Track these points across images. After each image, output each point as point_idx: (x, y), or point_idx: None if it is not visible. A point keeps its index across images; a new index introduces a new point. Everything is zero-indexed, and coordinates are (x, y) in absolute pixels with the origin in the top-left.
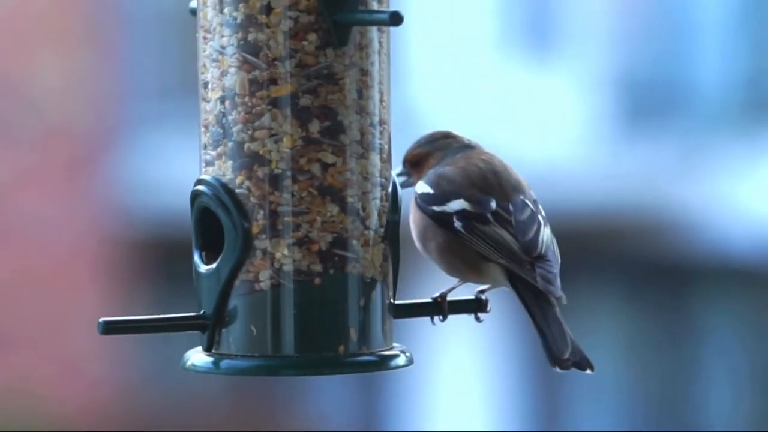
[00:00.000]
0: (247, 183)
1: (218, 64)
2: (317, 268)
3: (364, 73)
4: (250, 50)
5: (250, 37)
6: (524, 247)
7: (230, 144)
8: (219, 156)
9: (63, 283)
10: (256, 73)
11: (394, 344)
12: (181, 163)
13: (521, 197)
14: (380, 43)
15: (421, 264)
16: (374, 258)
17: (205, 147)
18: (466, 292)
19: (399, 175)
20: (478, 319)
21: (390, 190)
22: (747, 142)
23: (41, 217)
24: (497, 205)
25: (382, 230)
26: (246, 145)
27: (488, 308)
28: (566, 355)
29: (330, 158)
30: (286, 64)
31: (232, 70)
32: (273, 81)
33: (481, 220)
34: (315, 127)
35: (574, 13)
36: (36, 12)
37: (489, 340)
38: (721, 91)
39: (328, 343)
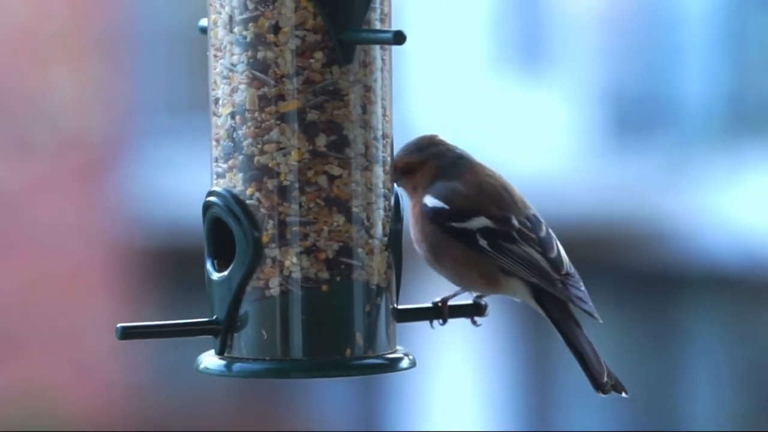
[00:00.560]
0: (257, 194)
1: (228, 80)
2: (324, 275)
3: (368, 89)
4: (259, 68)
5: (260, 55)
6: (553, 264)
7: (241, 157)
8: (230, 168)
9: (76, 288)
10: (265, 89)
11: (398, 347)
12: (189, 174)
13: (532, 212)
14: (383, 60)
15: (419, 270)
16: (378, 265)
17: (216, 160)
18: (464, 296)
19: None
20: (474, 323)
21: (393, 200)
22: (729, 155)
23: (55, 224)
24: (519, 222)
25: (386, 239)
26: (256, 158)
27: (486, 313)
28: (605, 379)
29: (336, 170)
30: (293, 80)
31: (242, 86)
32: (281, 97)
33: (508, 238)
34: (322, 140)
35: (565, 32)
36: (52, 29)
37: (484, 344)
38: (704, 106)
39: (336, 347)
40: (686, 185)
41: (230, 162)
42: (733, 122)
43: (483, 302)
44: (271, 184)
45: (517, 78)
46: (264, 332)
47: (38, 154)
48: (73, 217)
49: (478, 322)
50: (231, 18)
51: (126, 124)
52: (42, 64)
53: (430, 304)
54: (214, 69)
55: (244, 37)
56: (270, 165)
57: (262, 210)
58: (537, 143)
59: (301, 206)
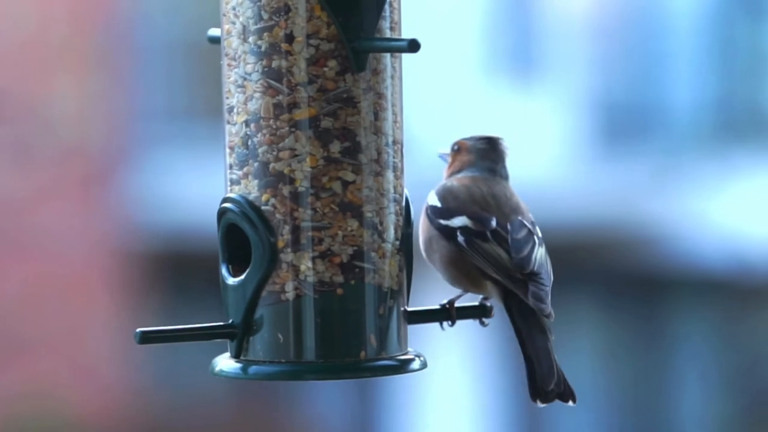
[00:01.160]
0: (272, 200)
1: (243, 89)
2: (339, 279)
3: (380, 96)
4: (273, 76)
5: (274, 64)
6: (517, 263)
7: (256, 164)
8: (245, 175)
9: (78, 292)
10: (280, 97)
11: (409, 349)
12: (189, 181)
13: (519, 218)
14: (393, 67)
15: (427, 274)
16: (391, 269)
17: (231, 167)
18: (470, 298)
19: (444, 155)
20: (483, 323)
21: (404, 205)
22: (717, 161)
23: (58, 230)
24: (497, 223)
25: (398, 243)
26: (271, 165)
27: (492, 313)
28: (551, 387)
29: (350, 176)
30: (308, 89)
31: (257, 95)
32: (296, 105)
33: (482, 237)
34: (336, 147)
35: (555, 40)
36: (54, 41)
37: (478, 349)
38: (692, 113)
39: (350, 349)
40: (675, 191)
41: (245, 169)
42: (721, 129)
43: (489, 304)
44: (286, 190)
45: (509, 85)
46: (280, 335)
47: (41, 162)
48: (76, 223)
49: (486, 323)
50: (245, 28)
51: (127, 132)
52: (45, 74)
53: (438, 306)
54: (228, 78)
55: (259, 47)
56: (285, 171)
57: (278, 216)
58: (528, 150)
59: (315, 211)
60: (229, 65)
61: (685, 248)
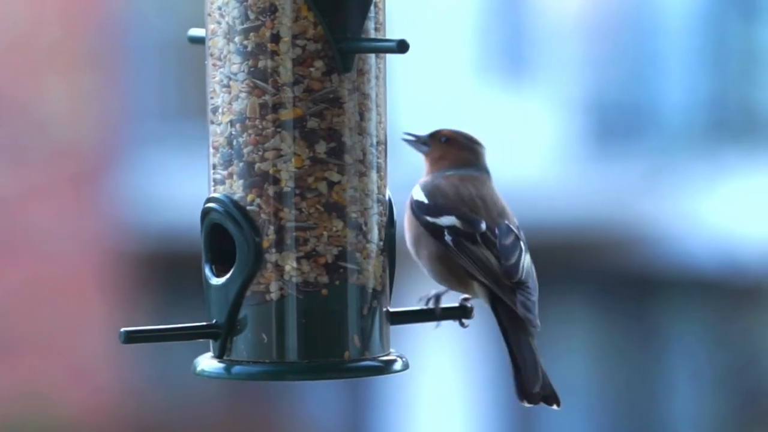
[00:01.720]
0: (257, 200)
1: (228, 89)
2: (324, 279)
3: (365, 96)
4: (260, 76)
5: (260, 64)
6: (506, 270)
7: (241, 164)
8: (230, 175)
9: (70, 292)
10: (266, 97)
11: (391, 350)
12: (180, 180)
13: (506, 222)
14: (379, 68)
15: (412, 273)
16: (375, 269)
17: (215, 167)
18: (452, 299)
19: (416, 136)
20: (462, 324)
21: (387, 205)
22: (709, 161)
23: (50, 230)
24: (486, 227)
25: (382, 243)
26: (257, 165)
27: (473, 315)
28: (536, 389)
29: (335, 177)
30: (294, 89)
31: (243, 95)
32: (282, 105)
33: (471, 239)
34: (321, 147)
35: (547, 41)
36: (46, 41)
37: (470, 349)
38: (684, 113)
39: (334, 350)
40: (667, 191)
41: (230, 169)
42: (713, 129)
43: (469, 305)
44: (271, 190)
45: (501, 85)
46: (264, 335)
47: (33, 162)
48: (67, 223)
49: (466, 324)
50: (231, 28)
51: (118, 132)
52: (36, 74)
53: (420, 307)
54: (213, 78)
55: (245, 47)
56: (271, 172)
57: (263, 216)
58: (520, 150)
59: (301, 212)
60: (214, 65)
61: (677, 248)
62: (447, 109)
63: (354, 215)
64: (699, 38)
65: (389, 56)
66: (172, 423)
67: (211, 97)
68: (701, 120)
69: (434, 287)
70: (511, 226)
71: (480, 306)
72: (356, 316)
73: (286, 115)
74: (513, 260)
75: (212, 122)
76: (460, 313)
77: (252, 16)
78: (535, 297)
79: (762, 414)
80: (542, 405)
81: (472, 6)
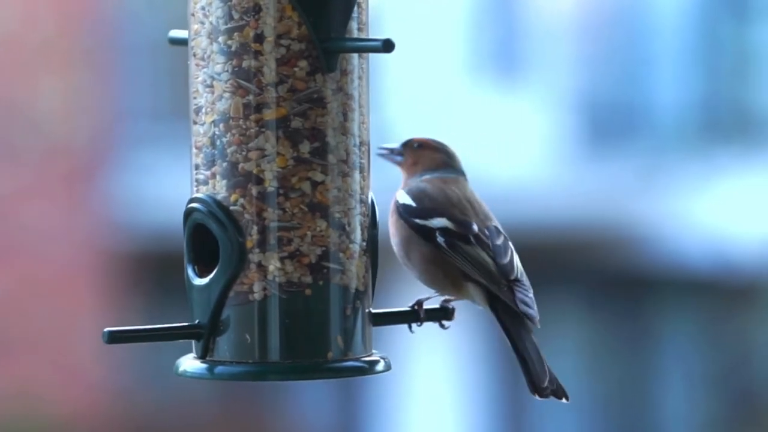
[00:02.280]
0: (241, 200)
1: (212, 89)
2: (307, 279)
3: (349, 97)
4: (243, 76)
5: (244, 64)
6: (501, 269)
7: (224, 164)
8: (213, 175)
9: (62, 292)
10: (250, 97)
11: (374, 351)
12: (172, 180)
13: (494, 224)
14: (362, 68)
15: (396, 275)
16: (358, 270)
17: (198, 167)
18: (435, 301)
19: (390, 149)
20: (443, 326)
21: (370, 206)
22: (701, 161)
23: (42, 229)
24: (478, 229)
25: (365, 244)
26: (240, 165)
27: (453, 317)
28: (545, 384)
29: (319, 177)
30: (278, 89)
31: (227, 95)
32: (266, 105)
33: (464, 240)
34: (305, 147)
35: (540, 40)
36: (38, 39)
37: (461, 350)
38: (677, 113)
39: (317, 350)
40: (659, 191)
41: (213, 169)
42: (706, 129)
43: (451, 306)
44: (255, 190)
45: (493, 85)
46: (247, 336)
47: (25, 161)
48: (59, 222)
49: (446, 326)
50: (214, 28)
51: (111, 131)
52: (29, 72)
53: (405, 309)
54: (196, 78)
55: (229, 47)
56: (254, 171)
57: (246, 216)
58: (512, 149)
59: (285, 212)
60: (197, 65)
61: (670, 248)
62: (439, 108)
63: (337, 215)
64: (691, 38)
65: (382, 55)
66: (164, 423)
67: (194, 97)
68: (694, 120)
69: (421, 291)
70: (499, 228)
71: (467, 308)
72: (339, 316)
73: (270, 114)
74: (507, 259)
75: (195, 122)
76: (441, 315)
77: (236, 16)
78: (531, 294)
79: (754, 414)
80: (541, 402)
81: (464, 5)
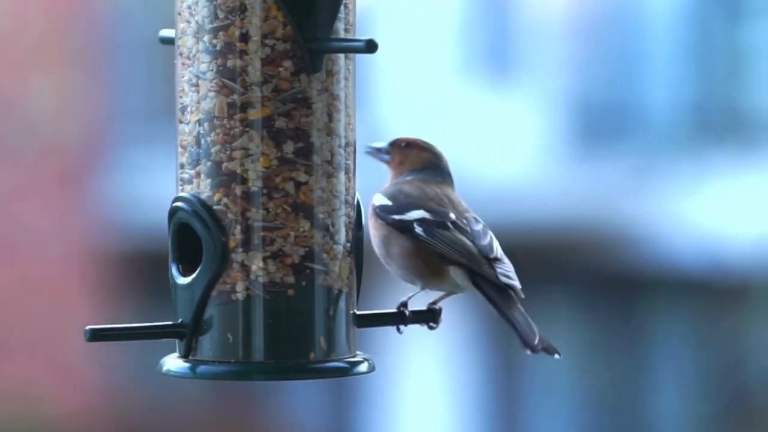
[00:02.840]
0: (224, 200)
1: (197, 88)
2: (290, 279)
3: (334, 97)
4: (228, 75)
5: (229, 63)
6: (481, 249)
7: (208, 163)
8: (197, 175)
9: (55, 291)
10: (235, 97)
11: (358, 352)
12: (165, 180)
13: (472, 216)
14: (348, 69)
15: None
16: (342, 271)
17: (183, 166)
18: (421, 302)
19: (377, 148)
20: (431, 327)
21: (355, 207)
22: (694, 161)
23: (34, 229)
24: (455, 217)
25: (349, 245)
26: (224, 165)
27: (441, 318)
28: (536, 341)
29: (303, 177)
30: (262, 88)
31: (211, 94)
32: (250, 104)
33: (442, 226)
34: (289, 147)
35: (533, 40)
36: (31, 38)
37: (453, 349)
38: (670, 113)
39: (300, 350)
40: (652, 191)
41: (197, 168)
42: (699, 129)
43: (438, 307)
44: (239, 189)
45: (486, 86)
46: (230, 335)
47: (17, 160)
48: (52, 221)
49: (434, 327)
50: (200, 27)
51: (103, 131)
52: (21, 72)
53: (390, 311)
54: (182, 77)
55: (214, 46)
56: (238, 171)
57: (230, 215)
58: (505, 150)
59: (268, 212)
60: (183, 64)
61: (662, 248)
62: (432, 109)
63: (321, 216)
64: (684, 38)
65: (376, 57)
66: (157, 422)
67: (180, 96)
68: (687, 120)
69: (406, 292)
70: (478, 218)
71: (459, 308)
72: (322, 317)
73: (255, 114)
74: (486, 241)
75: (180, 121)
76: (428, 317)
77: (221, 15)
78: (512, 269)
79: (747, 414)
80: (534, 404)
81: (457, 6)
